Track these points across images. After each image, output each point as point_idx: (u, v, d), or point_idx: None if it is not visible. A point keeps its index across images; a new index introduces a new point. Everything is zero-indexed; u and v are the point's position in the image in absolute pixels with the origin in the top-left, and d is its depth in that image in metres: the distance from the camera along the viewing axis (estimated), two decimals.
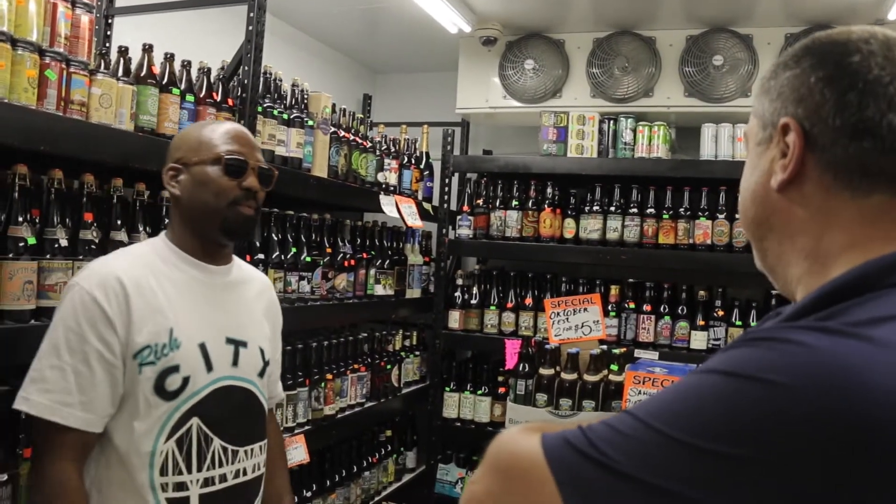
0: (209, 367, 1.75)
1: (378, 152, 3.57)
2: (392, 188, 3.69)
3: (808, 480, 0.68)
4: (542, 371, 3.06)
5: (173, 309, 1.72)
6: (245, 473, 1.82)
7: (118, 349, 1.63)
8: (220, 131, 1.83)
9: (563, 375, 3.01)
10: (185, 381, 1.70)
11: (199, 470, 1.72)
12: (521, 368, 3.16)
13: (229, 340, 1.82)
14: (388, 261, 3.72)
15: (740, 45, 3.68)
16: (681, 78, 3.79)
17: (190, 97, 2.43)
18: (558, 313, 3.26)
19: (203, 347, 1.75)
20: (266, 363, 1.94)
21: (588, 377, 2.98)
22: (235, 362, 1.82)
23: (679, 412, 0.75)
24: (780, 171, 0.90)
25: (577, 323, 3.25)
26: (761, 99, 0.97)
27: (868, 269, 0.82)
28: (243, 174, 1.80)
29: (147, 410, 1.66)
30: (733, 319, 3.77)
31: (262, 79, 2.75)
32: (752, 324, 3.73)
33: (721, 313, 3.79)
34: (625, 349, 3.19)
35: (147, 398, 1.66)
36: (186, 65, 2.47)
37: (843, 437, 0.67)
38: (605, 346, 3.15)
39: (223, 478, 1.76)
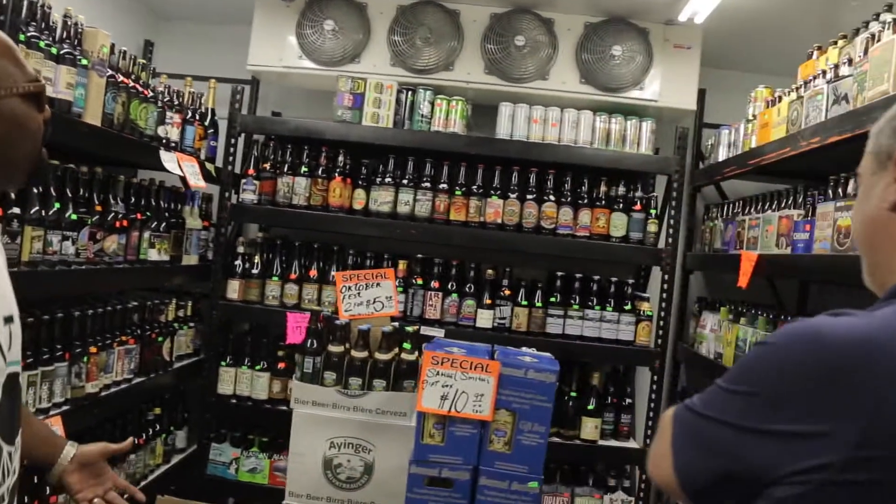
0: (3, 356, 1.30)
1: (160, 104, 3.23)
2: (173, 144, 3.36)
3: (776, 401, 1.00)
4: (332, 348, 2.91)
5: None
6: (14, 473, 1.37)
7: None
8: (9, 44, 1.35)
9: (354, 353, 2.88)
10: None
11: None
12: (308, 345, 2.99)
13: (6, 319, 1.35)
14: (164, 223, 3.39)
15: (542, 28, 3.72)
16: (482, 54, 3.78)
17: None
18: (350, 287, 3.13)
19: None
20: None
21: (379, 355, 2.87)
22: (10, 344, 1.34)
23: (732, 372, 1.11)
24: (894, 193, 1.14)
25: (370, 298, 3.13)
26: (877, 138, 1.21)
27: None
28: (44, 104, 1.40)
29: None
30: (519, 299, 3.85)
31: (25, 2, 2.36)
32: (538, 304, 3.82)
33: (508, 293, 3.85)
34: (416, 327, 3.12)
35: None
36: None
37: (771, 369, 1.03)
38: (396, 324, 3.06)
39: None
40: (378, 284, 3.14)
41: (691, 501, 1.12)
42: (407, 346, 2.93)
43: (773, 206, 3.12)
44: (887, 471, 0.91)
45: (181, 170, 3.28)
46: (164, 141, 3.27)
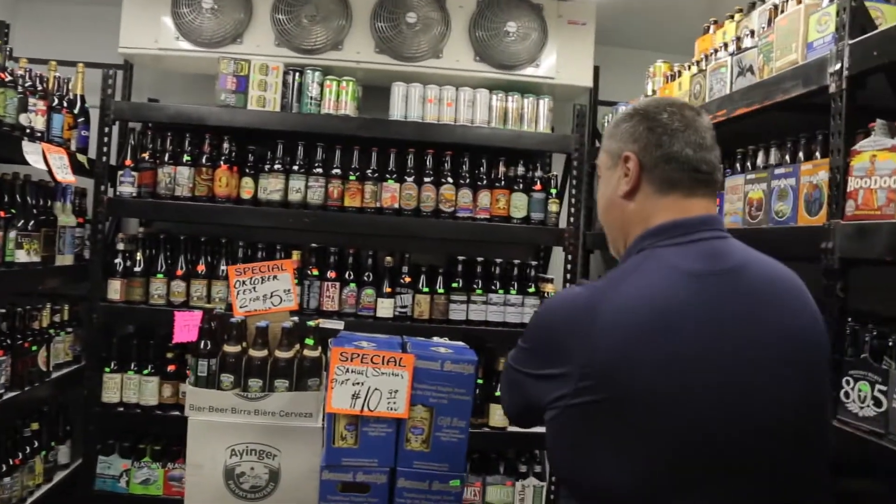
0: None
1: (21, 89, 2.92)
2: (39, 134, 3.06)
3: (540, 354, 1.45)
4: (228, 348, 2.70)
5: None
6: None
7: None
8: None
9: (252, 352, 2.68)
10: None
11: None
12: (202, 346, 2.77)
13: None
14: (33, 221, 3.08)
15: (434, 4, 3.60)
16: (372, 33, 3.62)
17: None
18: (244, 282, 2.92)
19: None
20: None
21: (280, 353, 2.68)
22: None
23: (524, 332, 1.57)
24: (625, 185, 1.50)
25: (266, 293, 2.93)
26: (609, 141, 1.55)
27: (635, 242, 1.48)
28: None
29: None
30: (420, 286, 3.72)
31: None
32: (440, 290, 3.71)
33: (408, 280, 3.72)
34: (318, 321, 2.95)
35: None
36: None
37: (537, 332, 1.51)
38: (296, 318, 2.88)
39: None
40: (275, 277, 2.95)
41: (515, 425, 1.66)
42: (309, 341, 2.75)
43: None
44: (597, 393, 1.30)
45: (47, 163, 2.98)
46: (27, 130, 2.97)
